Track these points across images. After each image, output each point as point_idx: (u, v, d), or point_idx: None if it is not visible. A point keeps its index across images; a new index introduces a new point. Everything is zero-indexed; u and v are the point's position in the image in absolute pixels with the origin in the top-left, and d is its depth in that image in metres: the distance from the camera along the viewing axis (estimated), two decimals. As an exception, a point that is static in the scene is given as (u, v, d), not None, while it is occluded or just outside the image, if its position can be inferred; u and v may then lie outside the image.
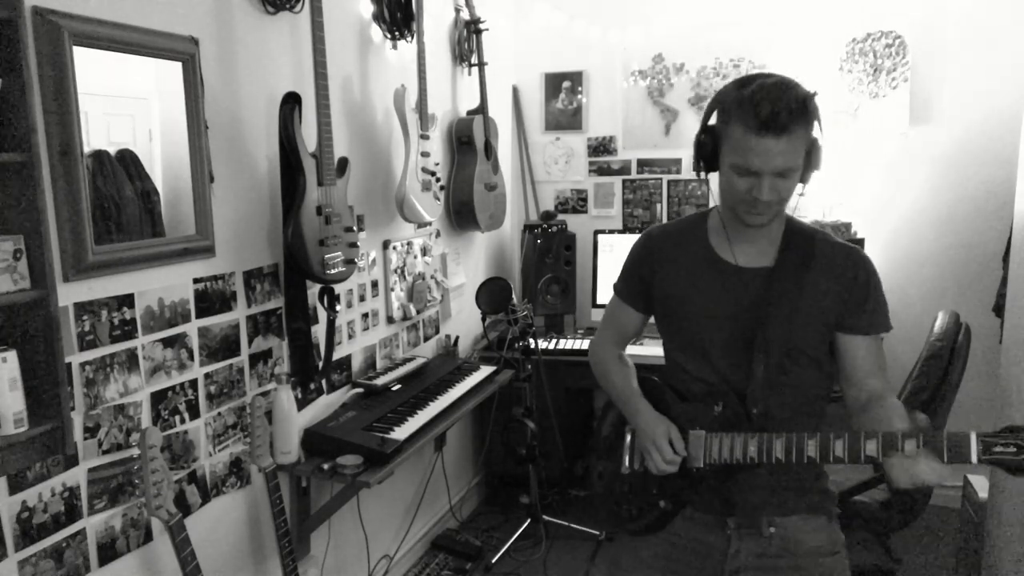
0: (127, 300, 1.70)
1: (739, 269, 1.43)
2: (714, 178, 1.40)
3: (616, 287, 1.65)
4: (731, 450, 1.36)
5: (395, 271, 2.83)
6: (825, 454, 1.27)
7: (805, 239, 1.42)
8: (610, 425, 1.65)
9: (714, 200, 1.47)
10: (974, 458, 1.12)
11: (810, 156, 1.31)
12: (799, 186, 1.34)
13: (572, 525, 3.22)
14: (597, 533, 3.18)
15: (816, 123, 1.29)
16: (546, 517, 3.22)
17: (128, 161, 1.69)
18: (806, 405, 1.44)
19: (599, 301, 3.62)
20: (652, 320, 1.62)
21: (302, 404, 2.30)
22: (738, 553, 1.46)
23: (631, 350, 1.70)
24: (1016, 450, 1.09)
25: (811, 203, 3.44)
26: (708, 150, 1.35)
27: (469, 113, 3.31)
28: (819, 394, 1.47)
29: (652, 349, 2.98)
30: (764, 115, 1.22)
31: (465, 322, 3.49)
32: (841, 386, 1.45)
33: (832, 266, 1.40)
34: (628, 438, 1.57)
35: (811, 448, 1.28)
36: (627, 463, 1.56)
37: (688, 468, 1.42)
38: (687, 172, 3.71)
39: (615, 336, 1.67)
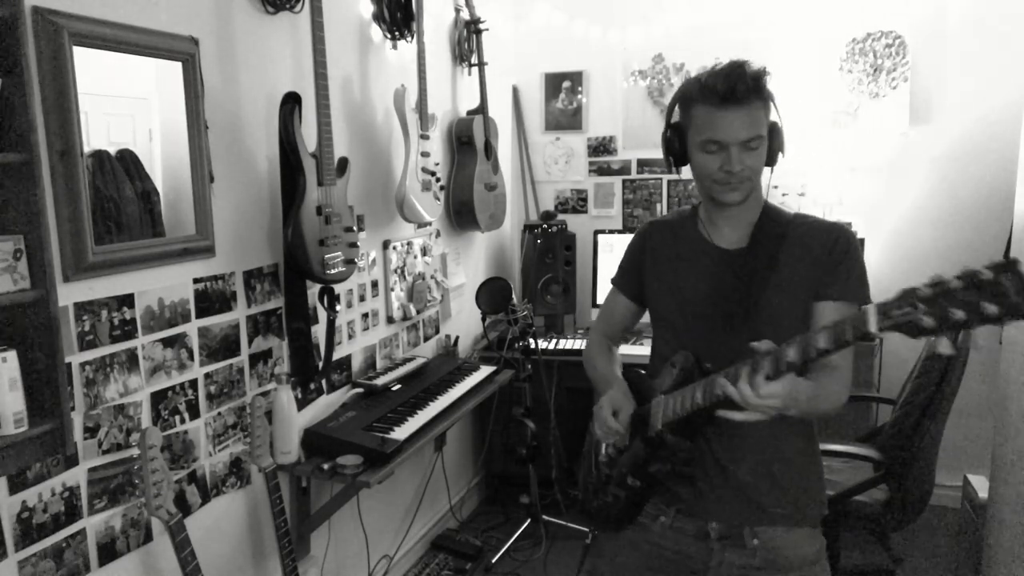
0: (127, 300, 1.70)
1: (720, 250, 1.47)
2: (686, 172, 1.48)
3: (613, 278, 1.69)
4: (682, 403, 1.36)
5: (395, 271, 2.83)
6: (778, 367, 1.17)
7: (780, 220, 1.45)
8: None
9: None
10: (873, 327, 1.05)
11: (773, 138, 1.38)
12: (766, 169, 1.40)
13: (572, 525, 3.22)
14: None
15: (772, 104, 1.36)
16: (546, 517, 3.22)
17: (128, 161, 1.69)
18: None
19: (599, 301, 3.61)
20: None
21: (302, 404, 2.30)
22: (720, 565, 1.46)
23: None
24: (911, 309, 1.03)
25: (811, 203, 3.44)
26: (676, 144, 1.45)
27: (469, 113, 3.31)
28: None
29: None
30: (723, 89, 1.30)
31: (465, 322, 3.49)
32: None
33: (806, 241, 1.41)
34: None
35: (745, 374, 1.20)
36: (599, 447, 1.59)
37: (649, 437, 1.43)
38: (687, 172, 3.70)
39: (607, 328, 1.72)
